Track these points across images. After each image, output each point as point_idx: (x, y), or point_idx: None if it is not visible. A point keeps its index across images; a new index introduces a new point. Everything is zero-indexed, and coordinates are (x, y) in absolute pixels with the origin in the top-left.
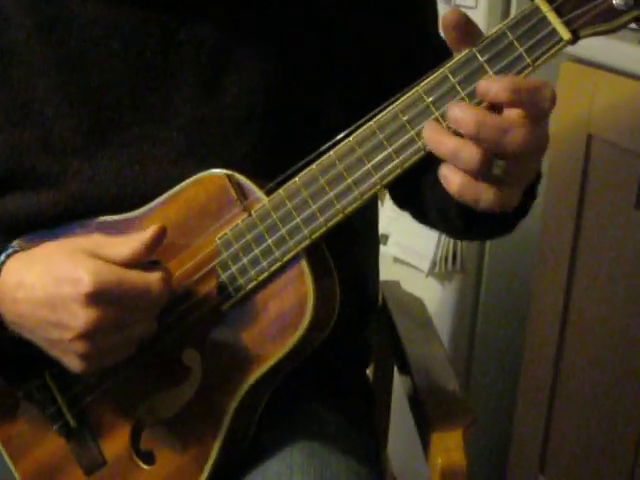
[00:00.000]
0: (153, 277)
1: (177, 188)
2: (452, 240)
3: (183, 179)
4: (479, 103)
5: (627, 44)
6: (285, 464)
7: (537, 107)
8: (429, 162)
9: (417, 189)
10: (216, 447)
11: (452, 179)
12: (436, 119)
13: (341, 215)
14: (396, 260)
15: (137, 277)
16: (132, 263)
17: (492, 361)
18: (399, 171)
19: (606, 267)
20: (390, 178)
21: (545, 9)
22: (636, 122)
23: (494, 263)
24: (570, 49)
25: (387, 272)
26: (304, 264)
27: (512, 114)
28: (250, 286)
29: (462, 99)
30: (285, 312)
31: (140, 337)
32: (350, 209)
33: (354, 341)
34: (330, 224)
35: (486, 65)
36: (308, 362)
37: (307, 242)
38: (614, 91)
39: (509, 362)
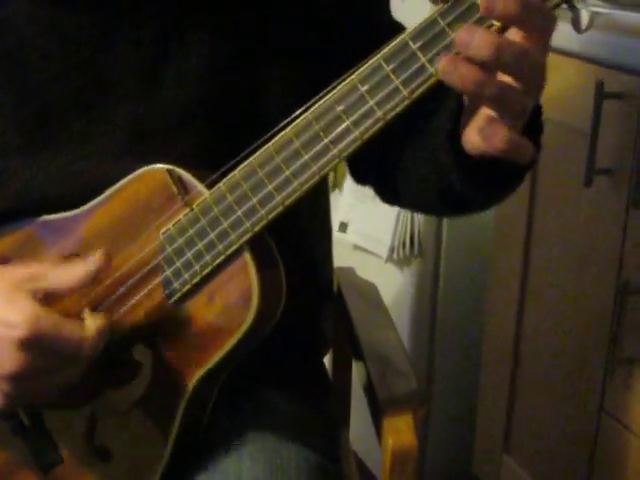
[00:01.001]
0: (89, 331)
1: (120, 184)
2: (409, 225)
3: (125, 175)
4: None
5: (568, 26)
6: (236, 454)
7: (543, 23)
8: (412, 140)
9: (394, 169)
10: (170, 441)
11: (500, 132)
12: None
13: (281, 207)
14: (356, 247)
15: (73, 329)
16: (75, 292)
17: (454, 344)
18: (337, 161)
19: (559, 243)
20: (329, 168)
21: None
22: (582, 102)
23: (451, 247)
24: None
25: (347, 259)
26: (247, 256)
27: (518, 37)
28: (195, 280)
29: (397, 88)
30: (231, 304)
31: (67, 384)
32: (290, 201)
33: (308, 329)
34: (271, 216)
35: (419, 52)
36: (261, 352)
37: (249, 235)
38: (561, 73)
39: (470, 345)
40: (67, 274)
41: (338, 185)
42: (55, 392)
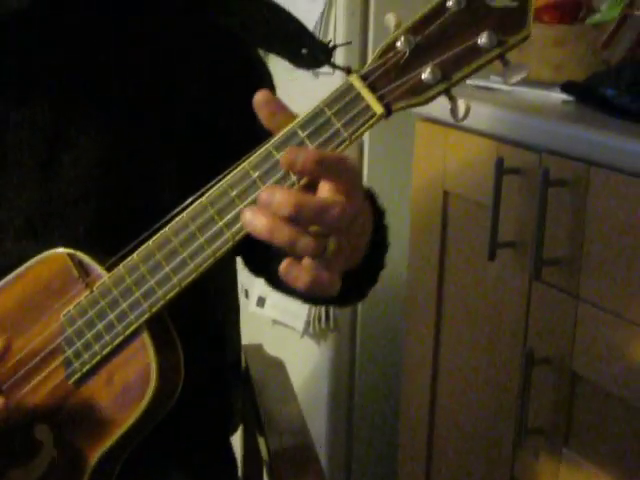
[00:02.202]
0: None
1: (23, 268)
2: None
3: (24, 258)
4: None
5: (472, 103)
6: None
7: (344, 177)
8: None
9: (267, 258)
10: None
11: (300, 275)
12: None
13: (178, 288)
14: (275, 322)
15: None
16: None
17: (372, 417)
18: (231, 245)
19: (468, 315)
20: (224, 250)
21: (359, 85)
22: (484, 177)
23: (366, 320)
24: (423, 109)
25: (266, 334)
26: (146, 337)
27: (325, 190)
28: (95, 360)
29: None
30: (130, 384)
31: None
32: (186, 282)
33: (216, 406)
34: (168, 297)
35: (307, 140)
36: (166, 430)
37: (147, 315)
38: (464, 148)
39: (388, 418)
40: None
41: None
42: None
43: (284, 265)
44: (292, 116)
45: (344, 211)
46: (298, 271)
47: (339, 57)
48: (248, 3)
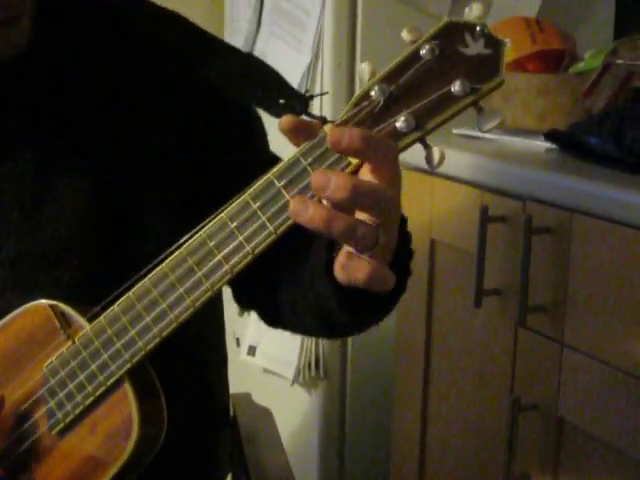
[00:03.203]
0: None
1: (5, 320)
2: (314, 347)
3: (9, 309)
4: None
5: (457, 152)
6: None
7: (387, 157)
8: (285, 271)
9: (280, 299)
10: None
11: (361, 266)
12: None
13: (158, 338)
14: (266, 370)
15: None
16: None
17: (362, 465)
18: (210, 294)
19: (456, 363)
20: (203, 300)
21: None
22: (469, 225)
23: (356, 368)
24: (409, 159)
25: (256, 383)
26: (127, 387)
27: (367, 177)
28: (77, 410)
29: (263, 224)
30: (112, 434)
31: None
32: (167, 332)
33: (201, 455)
34: (149, 347)
35: (283, 190)
36: (152, 478)
37: (129, 365)
38: (449, 197)
39: (379, 465)
40: None
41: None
42: None
43: (342, 257)
44: (318, 127)
45: (394, 196)
46: (358, 262)
47: (327, 109)
48: (227, 55)
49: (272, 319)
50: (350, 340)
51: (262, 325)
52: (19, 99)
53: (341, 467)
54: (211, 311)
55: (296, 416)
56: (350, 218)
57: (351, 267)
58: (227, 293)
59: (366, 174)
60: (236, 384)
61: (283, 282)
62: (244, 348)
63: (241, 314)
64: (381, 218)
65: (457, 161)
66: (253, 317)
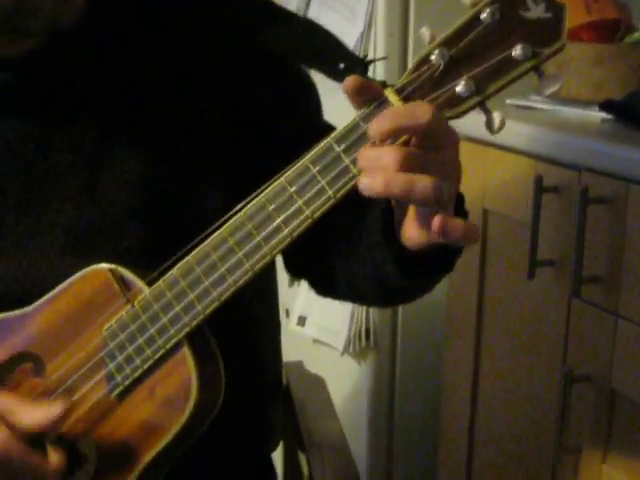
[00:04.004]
0: (53, 465)
1: (65, 283)
2: (364, 318)
3: (68, 274)
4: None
5: (511, 121)
6: None
7: (424, 124)
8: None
9: (337, 267)
10: None
11: (452, 223)
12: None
13: (217, 302)
14: (315, 341)
15: (39, 461)
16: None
17: (412, 435)
18: (268, 258)
19: (508, 333)
20: (261, 264)
21: (394, 99)
22: (523, 195)
23: (406, 338)
24: (461, 128)
25: (306, 353)
26: (186, 351)
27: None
28: (136, 374)
29: (323, 188)
30: (171, 397)
31: None
32: (225, 296)
33: (256, 423)
34: (208, 311)
35: (342, 154)
36: (206, 445)
37: (188, 329)
38: (503, 167)
39: (428, 434)
40: (33, 416)
41: (297, 279)
42: None
43: (439, 219)
44: (380, 91)
45: (454, 152)
46: (452, 220)
47: (379, 77)
48: (289, 21)
49: (324, 287)
50: (400, 310)
51: (312, 295)
52: (76, 68)
53: (390, 437)
54: (265, 278)
55: (345, 386)
56: (404, 175)
57: (448, 226)
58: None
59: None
60: (286, 354)
61: (337, 249)
62: (294, 318)
63: (290, 284)
64: (443, 169)
65: (511, 131)
66: (303, 288)
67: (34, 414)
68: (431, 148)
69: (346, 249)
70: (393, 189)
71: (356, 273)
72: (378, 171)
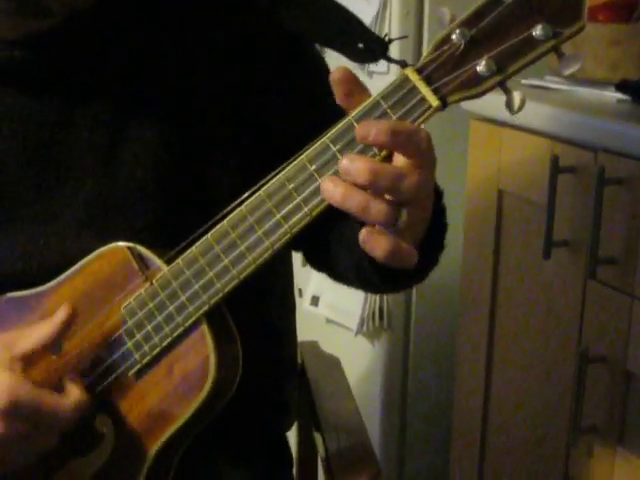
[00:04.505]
0: (67, 402)
1: (83, 262)
2: (378, 298)
3: (85, 252)
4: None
5: (527, 102)
6: None
7: (417, 148)
8: (335, 222)
9: (329, 251)
10: None
11: (380, 242)
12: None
13: (236, 280)
14: (328, 321)
15: (51, 400)
16: (49, 347)
17: (425, 415)
18: (288, 236)
19: (523, 314)
20: (281, 242)
21: (414, 78)
22: (539, 175)
23: (420, 318)
24: (477, 108)
25: (320, 333)
26: (205, 328)
27: (400, 161)
28: (155, 352)
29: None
30: (189, 375)
31: (42, 451)
32: (245, 274)
33: (271, 403)
34: (227, 289)
35: None
36: (223, 424)
37: (206, 307)
38: (519, 147)
39: (441, 415)
40: (37, 332)
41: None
42: (30, 458)
43: (364, 232)
44: (368, 95)
45: (418, 181)
46: (378, 238)
47: (393, 56)
48: (307, 1)
49: (338, 278)
50: (414, 291)
51: (324, 275)
52: (94, 46)
53: (403, 417)
54: (281, 257)
55: (358, 366)
56: (363, 196)
57: (370, 242)
58: None
59: (398, 156)
60: (300, 334)
61: (332, 240)
62: (307, 298)
63: (304, 264)
64: (401, 198)
65: (527, 111)
66: None
67: (37, 330)
68: (413, 166)
69: (337, 239)
70: (349, 204)
71: (344, 263)
72: (341, 181)
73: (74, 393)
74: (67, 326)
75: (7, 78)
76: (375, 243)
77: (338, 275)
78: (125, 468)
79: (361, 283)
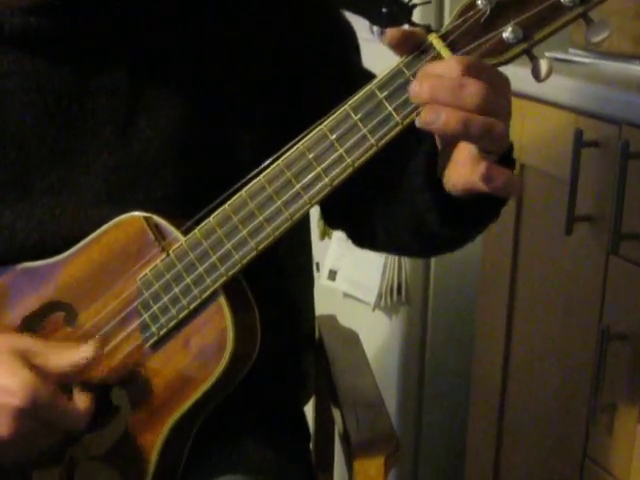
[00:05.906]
0: (80, 408)
1: (98, 232)
2: (396, 273)
3: (102, 223)
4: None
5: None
6: None
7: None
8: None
9: (375, 220)
10: None
11: (501, 174)
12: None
13: (255, 252)
14: (346, 295)
15: (67, 404)
16: (70, 377)
17: (442, 391)
18: (307, 208)
19: (543, 290)
20: (301, 214)
21: (439, 45)
22: (561, 150)
23: (439, 294)
24: None
25: (337, 307)
26: (222, 300)
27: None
28: (171, 324)
29: (364, 136)
30: (206, 347)
31: (43, 449)
32: (263, 245)
33: (289, 376)
34: (245, 261)
35: (385, 102)
36: (241, 397)
37: (224, 279)
38: (541, 120)
39: (459, 391)
40: (64, 359)
41: (328, 233)
42: (33, 455)
43: (483, 166)
44: (423, 37)
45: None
46: (497, 168)
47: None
48: None
49: (362, 237)
50: (432, 265)
51: (342, 249)
52: (113, 15)
53: (420, 393)
54: (300, 229)
55: (376, 341)
56: (486, 117)
57: (491, 172)
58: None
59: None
60: (317, 308)
61: (377, 197)
62: (324, 272)
63: (321, 238)
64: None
65: (549, 84)
66: (333, 241)
67: (60, 356)
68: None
69: (386, 196)
70: (472, 130)
71: (396, 221)
72: (444, 108)
73: (84, 400)
74: (93, 363)
75: (24, 45)
76: (496, 171)
77: (388, 241)
78: (141, 442)
79: (419, 242)
